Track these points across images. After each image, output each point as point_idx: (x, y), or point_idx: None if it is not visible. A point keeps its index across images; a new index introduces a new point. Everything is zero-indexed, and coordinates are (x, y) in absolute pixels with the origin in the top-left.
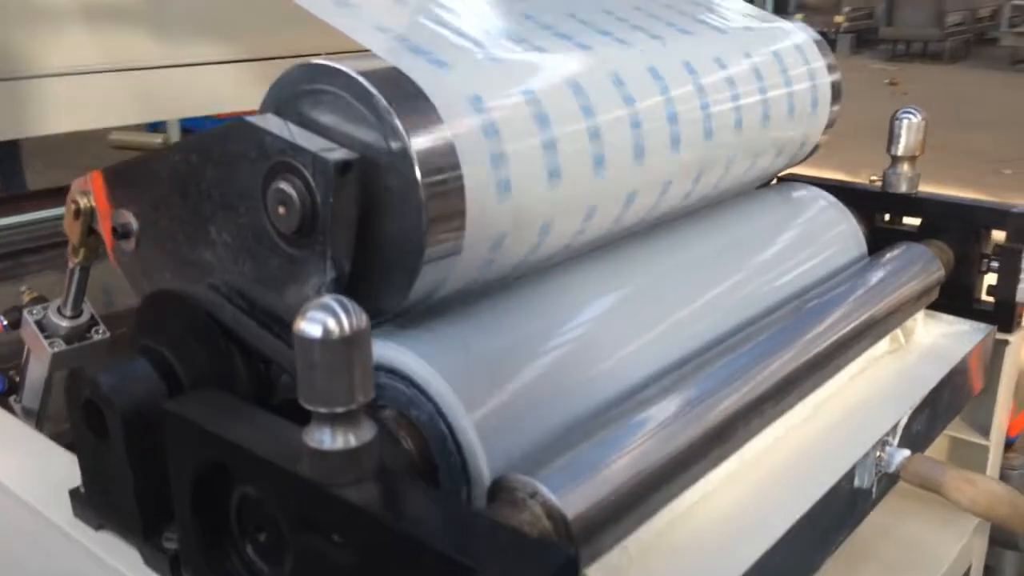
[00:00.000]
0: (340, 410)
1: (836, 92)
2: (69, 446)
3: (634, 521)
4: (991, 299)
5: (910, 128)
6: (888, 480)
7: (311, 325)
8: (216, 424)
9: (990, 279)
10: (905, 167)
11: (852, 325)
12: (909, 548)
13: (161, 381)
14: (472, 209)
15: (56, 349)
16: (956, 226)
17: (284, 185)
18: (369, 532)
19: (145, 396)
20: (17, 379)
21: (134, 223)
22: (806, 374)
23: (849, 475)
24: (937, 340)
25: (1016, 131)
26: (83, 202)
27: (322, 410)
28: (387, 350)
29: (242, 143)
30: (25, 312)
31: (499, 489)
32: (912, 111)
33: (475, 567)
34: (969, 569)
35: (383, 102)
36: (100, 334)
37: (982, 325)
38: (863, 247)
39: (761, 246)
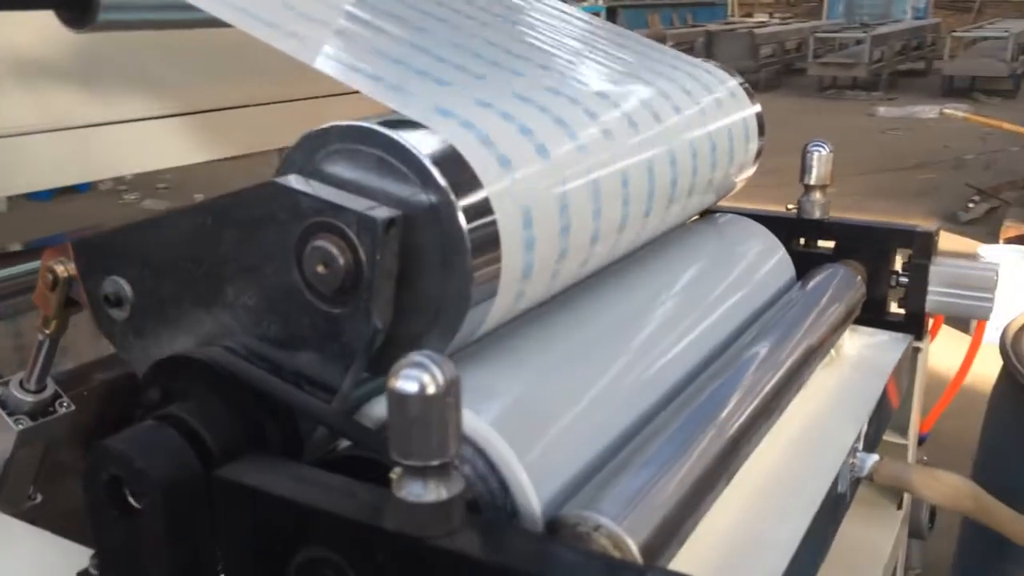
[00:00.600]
0: (435, 463)
1: (761, 124)
2: (32, 523)
3: (679, 542)
4: (901, 311)
5: (820, 159)
6: (855, 484)
7: (407, 382)
8: (282, 488)
9: (894, 293)
10: (817, 195)
11: (807, 344)
12: (851, 546)
13: (190, 449)
14: (504, 246)
15: (22, 426)
16: (867, 247)
17: (324, 244)
18: None
19: (178, 467)
20: None
21: (128, 290)
22: (784, 391)
23: (834, 483)
24: (862, 351)
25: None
26: (60, 271)
27: (417, 464)
28: None
29: (270, 205)
30: None
31: (559, 526)
32: (820, 144)
33: None
34: (897, 560)
35: (421, 156)
36: (64, 407)
37: (899, 335)
38: (792, 270)
39: (717, 273)
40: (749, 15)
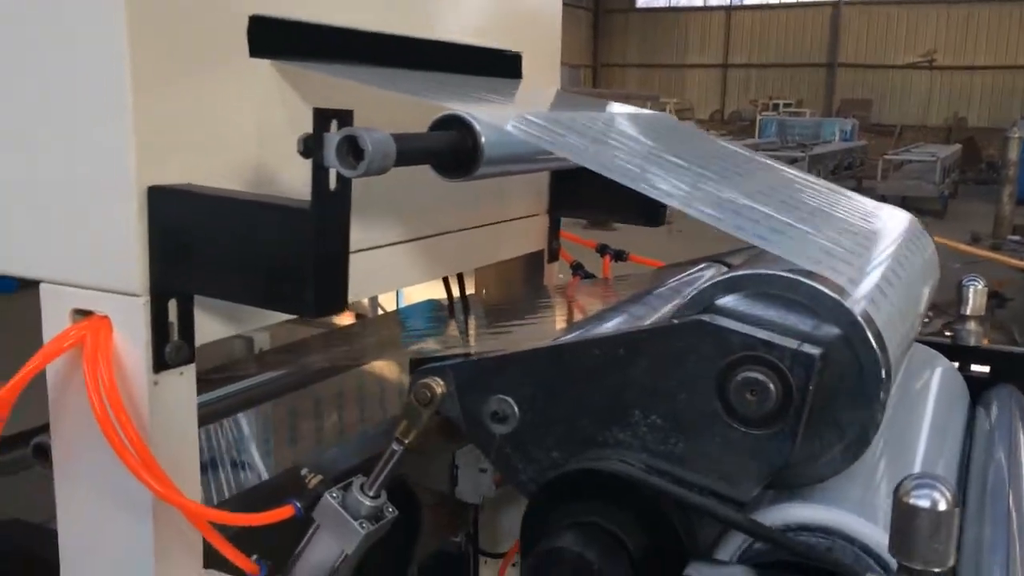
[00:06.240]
0: (937, 570)
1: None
2: None
3: None
4: None
5: (975, 293)
6: None
7: (920, 499)
8: None
9: None
10: (973, 324)
11: None
12: None
13: (620, 552)
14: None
15: (367, 529)
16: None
17: (755, 375)
18: None
19: (620, 568)
20: (270, 563)
21: (515, 408)
22: None
23: None
24: None
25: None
26: (438, 389)
27: (918, 567)
28: (842, 516)
29: (692, 339)
30: (327, 494)
31: None
32: (975, 279)
33: None
34: None
35: (837, 298)
36: (390, 512)
37: None
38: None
39: (937, 392)
40: None
